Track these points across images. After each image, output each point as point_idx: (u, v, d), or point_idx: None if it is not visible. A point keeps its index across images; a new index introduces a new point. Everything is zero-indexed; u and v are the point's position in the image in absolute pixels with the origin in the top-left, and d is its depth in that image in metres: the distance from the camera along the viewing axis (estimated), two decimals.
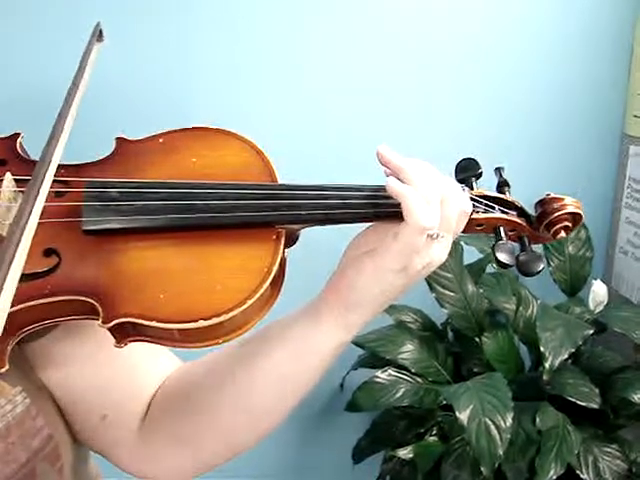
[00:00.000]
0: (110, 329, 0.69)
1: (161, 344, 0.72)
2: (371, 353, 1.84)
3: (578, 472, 1.63)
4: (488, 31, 1.95)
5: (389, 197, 0.73)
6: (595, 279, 1.91)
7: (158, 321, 0.68)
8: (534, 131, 2.01)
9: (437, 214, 0.72)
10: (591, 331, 1.67)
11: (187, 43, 1.86)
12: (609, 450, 1.67)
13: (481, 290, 1.84)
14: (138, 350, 0.73)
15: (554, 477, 1.54)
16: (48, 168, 0.65)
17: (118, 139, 0.80)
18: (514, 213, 0.81)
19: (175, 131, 0.80)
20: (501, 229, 0.80)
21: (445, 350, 1.87)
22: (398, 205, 0.71)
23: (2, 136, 0.80)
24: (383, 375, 1.79)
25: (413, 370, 1.79)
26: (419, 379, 1.80)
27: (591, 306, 1.88)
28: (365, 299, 0.75)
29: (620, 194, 2.06)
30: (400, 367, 1.80)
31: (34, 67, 1.81)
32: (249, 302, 0.69)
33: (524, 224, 0.81)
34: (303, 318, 0.79)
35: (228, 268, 0.71)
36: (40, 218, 0.63)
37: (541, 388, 1.76)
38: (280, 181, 0.77)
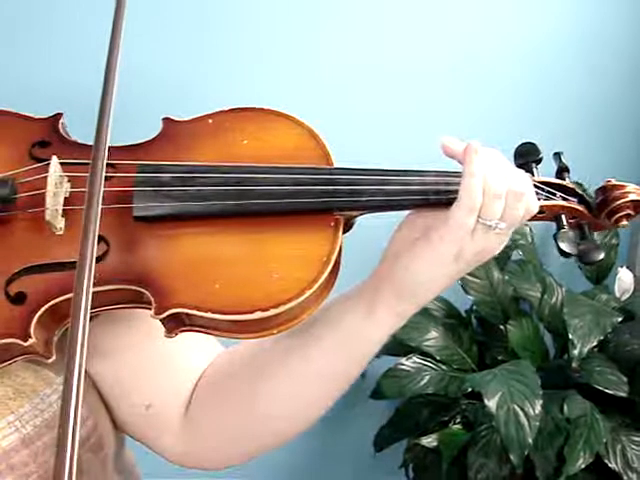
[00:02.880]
0: (162, 319, 0.67)
1: (213, 334, 0.70)
2: (395, 340, 1.82)
3: (606, 461, 1.61)
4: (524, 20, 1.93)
5: (451, 183, 0.71)
6: (621, 267, 1.89)
7: (213, 312, 0.66)
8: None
9: (499, 204, 0.69)
10: (620, 318, 1.66)
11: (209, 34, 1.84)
12: (637, 439, 1.66)
13: (506, 277, 1.82)
14: (181, 337, 0.71)
15: (583, 466, 1.54)
16: (104, 153, 0.62)
17: (165, 119, 0.77)
18: (574, 200, 0.78)
19: (224, 111, 0.77)
20: (562, 217, 0.77)
21: (469, 338, 1.85)
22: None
23: (44, 116, 0.78)
24: (408, 362, 1.77)
25: (438, 357, 1.78)
26: (444, 366, 1.78)
27: (617, 294, 1.87)
28: (420, 287, 0.73)
29: None
30: (424, 354, 1.78)
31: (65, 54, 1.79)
32: (308, 293, 0.66)
33: (585, 211, 0.78)
34: (355, 308, 0.76)
35: (285, 256, 0.68)
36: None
37: (567, 376, 1.74)
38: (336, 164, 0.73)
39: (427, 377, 1.76)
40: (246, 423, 0.83)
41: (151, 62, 1.79)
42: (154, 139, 0.75)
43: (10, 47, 1.74)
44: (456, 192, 0.70)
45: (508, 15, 1.93)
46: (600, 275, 1.93)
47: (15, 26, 1.74)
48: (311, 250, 0.68)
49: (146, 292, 0.67)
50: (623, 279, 1.86)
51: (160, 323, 0.68)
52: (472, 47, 1.94)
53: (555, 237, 0.75)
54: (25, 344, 0.65)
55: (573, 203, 0.78)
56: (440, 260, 0.71)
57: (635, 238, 2.09)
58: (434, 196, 0.72)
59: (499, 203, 0.69)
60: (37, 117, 0.77)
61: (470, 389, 1.75)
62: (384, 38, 1.89)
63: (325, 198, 0.70)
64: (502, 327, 1.83)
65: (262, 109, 0.76)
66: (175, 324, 0.68)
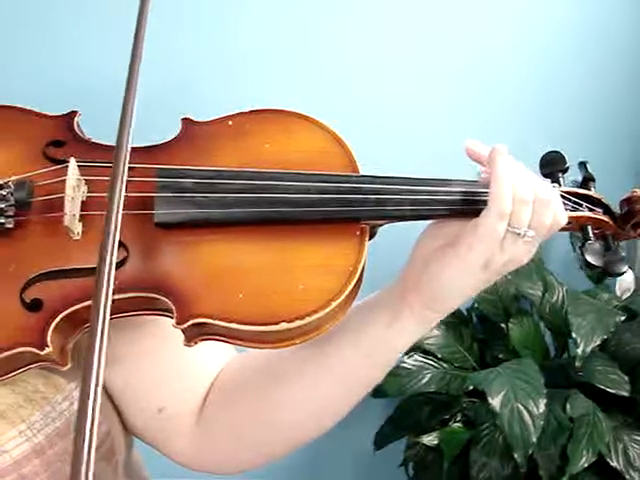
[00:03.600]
0: (183, 329, 0.65)
1: (233, 344, 0.69)
2: None
3: (608, 460, 1.61)
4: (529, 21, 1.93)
5: (478, 193, 0.70)
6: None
7: (237, 323, 0.64)
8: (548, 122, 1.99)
9: (527, 211, 0.69)
10: (622, 318, 1.66)
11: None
12: (639, 438, 1.65)
13: (508, 275, 1.81)
14: None
15: (586, 465, 1.54)
16: (126, 156, 0.60)
17: (184, 120, 0.74)
18: (600, 210, 0.77)
19: (245, 113, 0.74)
20: (589, 228, 0.76)
21: (471, 336, 1.85)
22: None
23: (58, 114, 0.75)
24: (409, 360, 1.77)
25: (439, 356, 1.78)
26: (445, 365, 1.78)
27: (618, 293, 1.86)
28: (448, 296, 0.72)
29: None
30: (426, 352, 1.78)
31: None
32: (334, 304, 0.65)
33: (611, 222, 0.77)
34: (378, 317, 0.75)
35: (310, 266, 0.66)
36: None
37: (568, 375, 1.74)
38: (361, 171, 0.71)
39: (429, 375, 1.76)
40: (258, 428, 0.82)
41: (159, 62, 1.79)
42: (173, 141, 0.73)
43: (25, 44, 1.73)
44: (483, 202, 0.69)
45: (515, 16, 1.93)
46: (601, 274, 1.93)
47: (28, 24, 1.73)
48: (337, 260, 0.67)
49: (167, 300, 0.65)
50: (624, 278, 1.86)
51: (180, 332, 0.66)
52: (478, 50, 1.94)
53: (581, 249, 0.74)
54: (42, 353, 0.64)
55: (599, 214, 0.77)
56: (469, 270, 0.70)
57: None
58: (461, 206, 0.70)
59: (527, 210, 0.69)
60: (51, 115, 0.75)
61: (471, 387, 1.75)
62: (390, 39, 1.89)
63: (352, 207, 0.68)
64: (503, 325, 1.83)
65: (283, 111, 0.74)
66: (196, 333, 0.66)
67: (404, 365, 1.76)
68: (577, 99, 1.98)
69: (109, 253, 0.53)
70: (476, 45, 1.93)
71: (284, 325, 0.64)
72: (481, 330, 1.91)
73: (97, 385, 0.48)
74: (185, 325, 0.64)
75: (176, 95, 1.75)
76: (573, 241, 1.92)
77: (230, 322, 0.64)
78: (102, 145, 0.72)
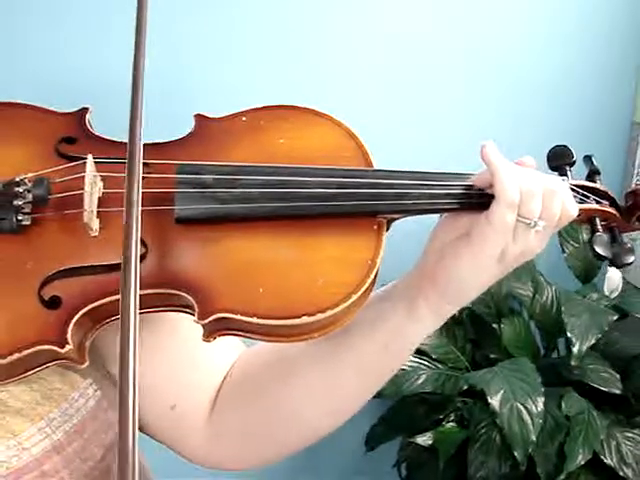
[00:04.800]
0: (205, 324, 0.65)
1: (252, 338, 0.68)
2: None
3: (602, 457, 1.63)
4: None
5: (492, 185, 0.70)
6: (610, 266, 1.91)
7: (259, 317, 0.64)
8: (543, 118, 2.02)
9: (537, 202, 0.70)
10: (615, 317, 1.68)
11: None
12: (631, 435, 1.68)
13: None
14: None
15: (582, 462, 1.56)
16: (141, 151, 0.60)
17: (197, 116, 0.74)
18: (606, 203, 0.79)
19: (258, 109, 0.74)
20: (596, 220, 0.77)
21: (463, 336, 1.87)
22: None
23: (69, 111, 0.74)
24: None
25: (433, 356, 1.79)
26: (440, 365, 1.79)
27: (606, 292, 1.89)
28: (464, 289, 0.73)
29: (629, 182, 2.07)
30: (420, 353, 1.79)
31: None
32: (354, 297, 0.65)
33: (617, 215, 0.79)
34: (395, 308, 0.75)
35: (330, 260, 0.66)
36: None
37: (560, 374, 1.77)
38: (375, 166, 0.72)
39: (424, 376, 1.77)
40: (272, 423, 0.82)
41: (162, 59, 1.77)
42: (187, 137, 0.73)
43: (28, 43, 1.70)
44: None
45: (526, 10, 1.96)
46: (589, 274, 1.96)
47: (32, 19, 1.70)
48: (356, 254, 0.67)
49: (188, 296, 0.65)
50: (612, 278, 1.88)
51: (201, 327, 0.65)
52: (480, 49, 1.96)
53: (590, 241, 0.76)
54: (62, 351, 0.63)
55: (606, 206, 0.78)
56: (484, 262, 0.71)
57: None
58: (476, 199, 0.71)
59: (536, 201, 0.69)
60: (62, 112, 0.74)
61: (465, 387, 1.76)
62: (403, 39, 1.91)
63: (370, 201, 0.68)
64: (495, 325, 1.85)
65: (296, 107, 0.74)
66: (216, 328, 0.66)
67: None
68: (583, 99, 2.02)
69: (132, 249, 0.54)
70: (479, 45, 1.96)
71: (305, 319, 0.64)
72: (473, 330, 1.93)
73: (134, 382, 0.51)
74: (207, 320, 0.64)
75: (174, 92, 1.75)
76: (562, 242, 1.95)
77: (251, 316, 0.64)
78: (114, 141, 0.72)
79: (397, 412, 1.90)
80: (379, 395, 1.74)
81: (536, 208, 0.70)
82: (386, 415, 1.92)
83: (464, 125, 1.95)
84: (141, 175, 0.59)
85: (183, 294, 0.65)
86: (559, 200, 0.71)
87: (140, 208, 0.57)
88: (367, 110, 1.87)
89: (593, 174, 0.81)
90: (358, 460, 2.00)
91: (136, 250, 0.55)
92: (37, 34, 1.72)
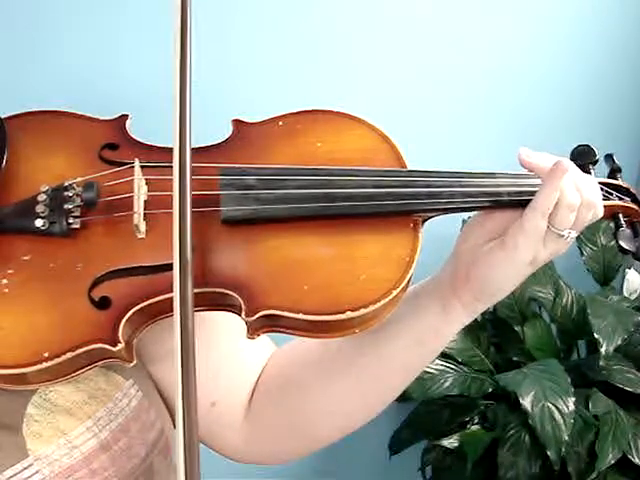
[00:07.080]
0: (251, 322, 0.67)
1: (295, 335, 0.71)
2: None
3: (630, 456, 1.65)
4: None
5: (524, 185, 0.73)
6: (628, 268, 1.94)
7: (304, 313, 0.67)
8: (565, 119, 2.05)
9: (573, 215, 0.72)
10: (639, 317, 1.70)
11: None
12: None
13: None
14: (242, 334, 0.72)
15: (612, 461, 1.57)
16: (188, 155, 0.63)
17: (235, 121, 0.77)
18: (628, 199, 0.82)
19: (294, 114, 0.78)
20: (620, 216, 0.80)
21: (487, 339, 1.88)
22: (534, 193, 0.71)
23: (109, 118, 0.77)
24: (431, 364, 1.78)
25: (459, 359, 1.80)
26: (465, 368, 1.80)
27: (625, 294, 1.92)
28: (498, 290, 0.76)
29: None
30: (446, 356, 1.80)
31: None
32: (395, 292, 0.68)
33: (639, 210, 0.82)
34: (430, 308, 0.78)
35: (370, 257, 0.70)
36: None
37: (585, 375, 1.79)
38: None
39: (450, 379, 1.78)
40: (309, 420, 0.85)
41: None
42: (227, 141, 0.76)
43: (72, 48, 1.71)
44: (528, 194, 0.72)
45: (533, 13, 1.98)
46: (607, 277, 1.98)
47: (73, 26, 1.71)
48: (395, 251, 0.70)
49: (235, 295, 0.67)
50: (632, 280, 1.92)
51: (245, 325, 0.68)
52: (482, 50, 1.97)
53: (615, 236, 0.79)
54: (114, 349, 0.65)
55: (628, 202, 0.81)
56: (517, 266, 0.73)
57: None
58: (508, 197, 0.74)
59: (572, 215, 0.72)
60: (102, 119, 0.77)
61: (490, 389, 1.78)
62: (418, 40, 1.92)
63: (406, 200, 0.71)
64: (517, 328, 1.87)
65: (331, 111, 0.78)
66: (260, 326, 0.68)
67: (426, 369, 1.78)
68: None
69: (185, 249, 0.58)
70: (502, 46, 1.97)
71: (349, 314, 0.67)
72: (496, 334, 1.95)
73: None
74: (254, 317, 0.66)
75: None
76: (580, 245, 1.98)
77: (297, 312, 0.66)
78: (153, 146, 0.75)
79: (421, 415, 1.91)
80: (406, 398, 1.77)
81: (571, 221, 0.72)
82: (409, 418, 1.93)
83: (486, 125, 1.98)
84: (189, 178, 0.62)
85: (230, 292, 0.67)
86: (593, 212, 0.74)
87: (190, 210, 0.60)
88: (391, 112, 1.89)
89: (614, 172, 0.85)
90: (382, 464, 2.00)
91: (190, 253, 0.58)
92: (69, 37, 1.72)
